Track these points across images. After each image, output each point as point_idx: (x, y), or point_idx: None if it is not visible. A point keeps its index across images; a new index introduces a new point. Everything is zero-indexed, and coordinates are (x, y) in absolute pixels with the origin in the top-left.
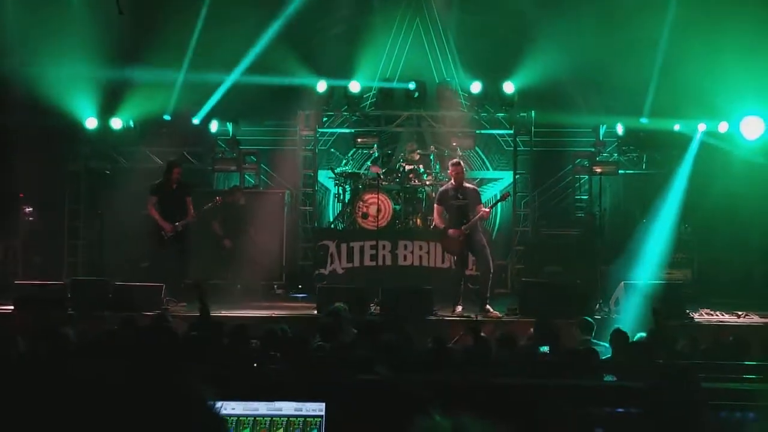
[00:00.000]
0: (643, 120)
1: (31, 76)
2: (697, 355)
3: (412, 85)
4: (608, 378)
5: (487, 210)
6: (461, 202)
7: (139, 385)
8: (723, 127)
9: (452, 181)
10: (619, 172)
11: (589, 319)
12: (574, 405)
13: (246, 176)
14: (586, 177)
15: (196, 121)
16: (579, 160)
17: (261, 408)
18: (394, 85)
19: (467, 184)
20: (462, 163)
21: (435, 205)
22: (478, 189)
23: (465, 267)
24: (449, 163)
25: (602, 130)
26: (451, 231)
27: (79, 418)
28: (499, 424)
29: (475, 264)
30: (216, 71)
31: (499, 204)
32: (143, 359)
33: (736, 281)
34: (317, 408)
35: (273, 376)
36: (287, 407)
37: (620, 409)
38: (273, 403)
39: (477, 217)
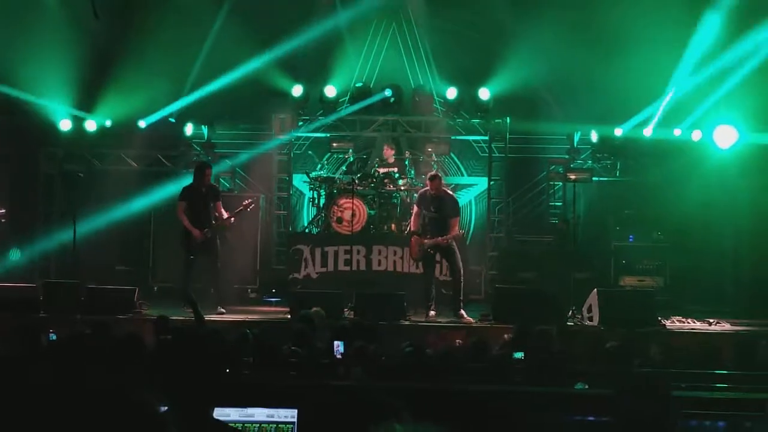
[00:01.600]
0: (619, 129)
1: (4, 77)
2: (668, 363)
3: (388, 92)
4: (579, 386)
5: (445, 239)
6: (433, 215)
7: (87, 391)
8: (696, 135)
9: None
10: (594, 179)
11: None
12: (544, 412)
13: (221, 180)
14: (561, 184)
15: (172, 120)
16: (553, 166)
17: (233, 414)
18: (372, 100)
19: (446, 191)
20: (439, 176)
21: (414, 206)
22: (455, 197)
23: (432, 272)
24: (426, 178)
25: (576, 137)
26: (413, 240)
27: (41, 422)
28: (470, 431)
29: (447, 269)
30: (191, 74)
31: (472, 213)
32: (109, 365)
33: (708, 289)
34: (289, 414)
35: (245, 382)
36: (259, 413)
37: (591, 418)
38: (245, 409)
39: (434, 241)
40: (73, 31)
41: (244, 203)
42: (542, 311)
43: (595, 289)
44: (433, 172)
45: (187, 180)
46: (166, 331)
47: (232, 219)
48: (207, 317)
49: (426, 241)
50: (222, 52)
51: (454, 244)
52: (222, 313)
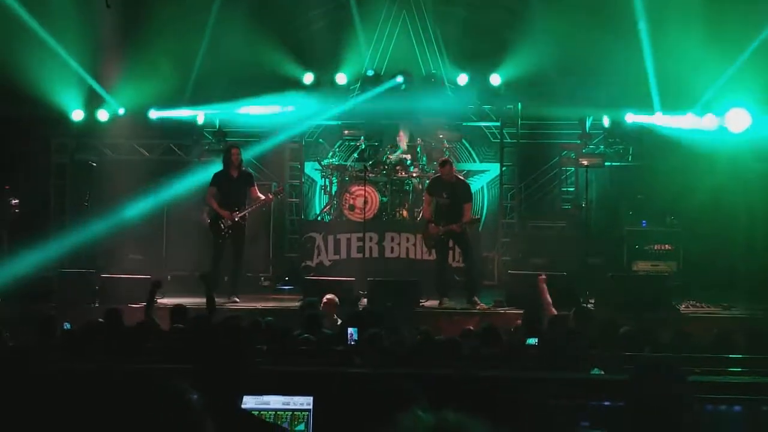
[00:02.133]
0: (629, 113)
1: (17, 67)
2: (683, 348)
3: (400, 79)
4: (595, 371)
5: (459, 225)
6: (446, 201)
7: (123, 384)
8: (709, 119)
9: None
10: (606, 164)
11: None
12: (559, 398)
13: None
14: (573, 169)
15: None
16: (565, 152)
17: (249, 402)
18: (383, 87)
19: (458, 176)
20: (450, 161)
21: (425, 194)
22: (468, 182)
23: (445, 259)
24: (437, 165)
25: (588, 123)
26: (431, 226)
27: (63, 412)
28: (484, 417)
29: (460, 256)
30: (202, 63)
31: (484, 199)
32: (128, 356)
33: (722, 273)
34: (305, 402)
35: (261, 370)
36: (275, 401)
37: (606, 402)
38: (261, 396)
39: (448, 228)
40: (86, 19)
41: (275, 190)
42: (557, 296)
43: (610, 275)
44: (443, 158)
45: (205, 167)
46: (183, 321)
47: (265, 200)
48: (221, 306)
49: (440, 227)
50: (229, 38)
51: (468, 230)
52: (235, 302)
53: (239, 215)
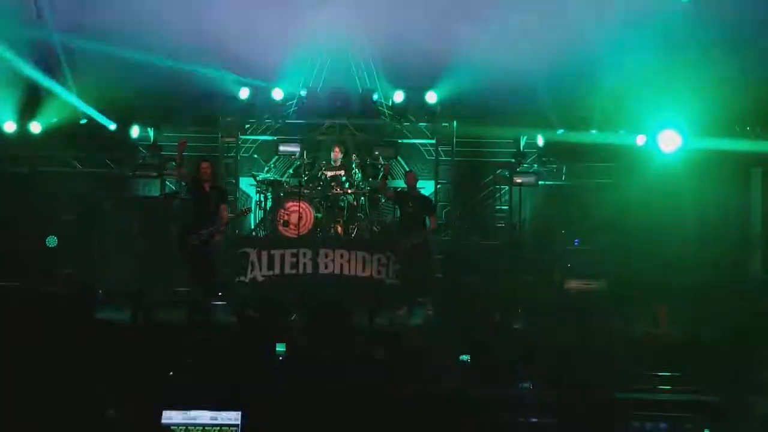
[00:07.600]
0: (560, 131)
1: None
2: (612, 365)
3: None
4: (524, 385)
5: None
6: (410, 209)
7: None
8: (641, 139)
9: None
10: (540, 183)
11: None
12: (488, 415)
13: (167, 182)
14: (507, 187)
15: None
16: (500, 170)
17: (176, 417)
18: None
19: (420, 193)
20: (413, 172)
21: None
22: (429, 197)
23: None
24: (406, 172)
25: (523, 142)
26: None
27: None
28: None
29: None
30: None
31: None
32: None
33: (653, 292)
34: (233, 417)
35: (189, 385)
36: (203, 416)
37: (534, 419)
38: (188, 412)
39: (410, 241)
40: (17, 31)
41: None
42: (489, 313)
43: None
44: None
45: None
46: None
47: (223, 225)
48: None
49: (407, 242)
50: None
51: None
52: None
53: (204, 237)
